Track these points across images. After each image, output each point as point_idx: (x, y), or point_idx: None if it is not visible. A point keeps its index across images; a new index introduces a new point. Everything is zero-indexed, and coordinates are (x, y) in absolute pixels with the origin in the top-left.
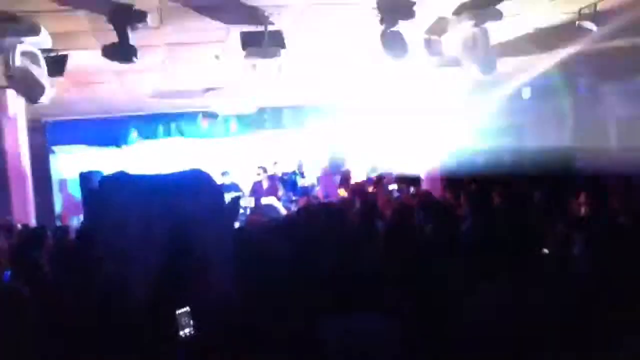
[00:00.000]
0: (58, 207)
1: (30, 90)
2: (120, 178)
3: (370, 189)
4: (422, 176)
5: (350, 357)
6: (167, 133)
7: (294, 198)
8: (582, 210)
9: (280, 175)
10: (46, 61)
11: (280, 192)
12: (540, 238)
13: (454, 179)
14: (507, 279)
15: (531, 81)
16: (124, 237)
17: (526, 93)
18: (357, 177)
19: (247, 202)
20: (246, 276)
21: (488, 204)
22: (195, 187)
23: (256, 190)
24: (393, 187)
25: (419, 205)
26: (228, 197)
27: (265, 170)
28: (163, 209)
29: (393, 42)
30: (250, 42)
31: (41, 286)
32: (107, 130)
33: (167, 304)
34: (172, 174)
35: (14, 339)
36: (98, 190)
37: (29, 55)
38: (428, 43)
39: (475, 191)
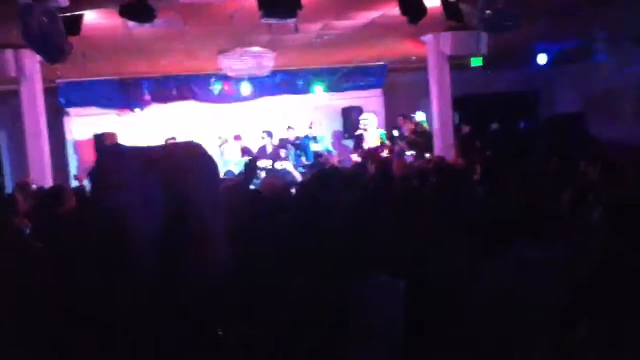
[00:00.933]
0: (73, 169)
1: (49, 49)
2: (117, 151)
3: (385, 154)
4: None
5: (362, 320)
6: (181, 96)
7: (306, 163)
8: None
9: (293, 139)
10: (62, 20)
11: (283, 155)
12: (554, 204)
13: (469, 146)
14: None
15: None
16: (124, 212)
17: (542, 59)
18: (371, 142)
19: (265, 164)
20: (261, 239)
21: (502, 171)
22: (189, 159)
23: (260, 155)
24: (409, 152)
25: (434, 170)
26: (243, 161)
27: (269, 135)
28: (159, 181)
29: None
30: (267, 1)
31: (60, 244)
32: (121, 93)
33: (169, 269)
34: (167, 146)
35: (30, 295)
36: (97, 163)
37: (47, 14)
38: None
39: (489, 158)
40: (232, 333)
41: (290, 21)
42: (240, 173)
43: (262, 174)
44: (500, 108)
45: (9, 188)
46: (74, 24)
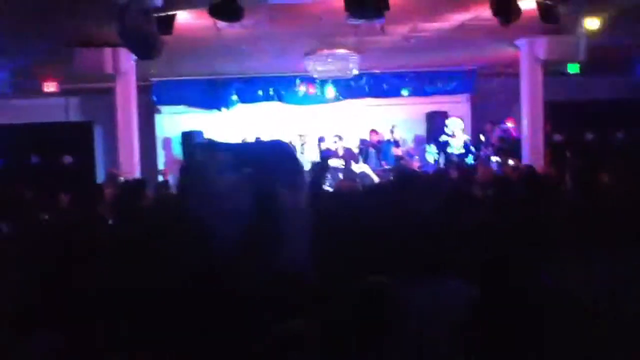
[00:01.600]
0: (161, 164)
1: (143, 47)
2: (209, 146)
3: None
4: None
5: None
6: (266, 97)
7: (386, 167)
8: None
9: (375, 142)
10: (156, 20)
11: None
12: None
13: (558, 154)
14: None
15: None
16: (212, 204)
17: None
18: (455, 148)
19: (337, 163)
20: (335, 238)
21: (594, 180)
22: (276, 157)
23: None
24: (495, 159)
25: (520, 179)
26: (333, 162)
27: (340, 139)
28: (247, 177)
29: None
30: (354, 2)
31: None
32: (209, 92)
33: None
34: (256, 144)
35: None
36: (189, 156)
37: (142, 13)
38: None
39: (580, 167)
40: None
41: (377, 22)
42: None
43: (340, 175)
44: (597, 116)
45: (101, 179)
46: (167, 24)
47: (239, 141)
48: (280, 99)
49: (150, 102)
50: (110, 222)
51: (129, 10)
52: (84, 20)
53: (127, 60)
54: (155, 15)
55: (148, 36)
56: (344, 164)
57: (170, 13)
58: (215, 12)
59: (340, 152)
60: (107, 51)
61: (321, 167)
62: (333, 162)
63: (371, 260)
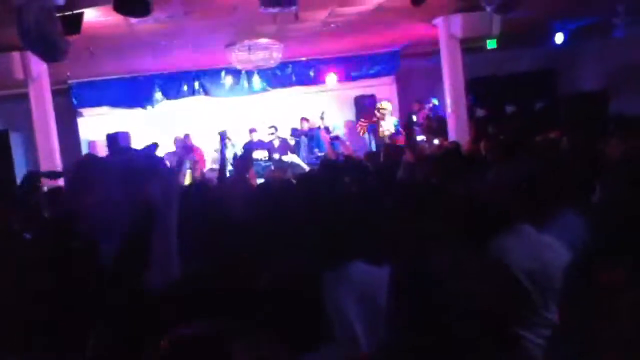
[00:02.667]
0: None
1: (47, 49)
2: (88, 162)
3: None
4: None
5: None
6: (192, 92)
7: (319, 154)
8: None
9: (306, 130)
10: (61, 20)
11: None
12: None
13: (482, 129)
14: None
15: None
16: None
17: (559, 37)
18: (385, 131)
19: (261, 155)
20: (261, 231)
21: (514, 155)
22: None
23: (270, 149)
24: (421, 137)
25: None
26: (257, 154)
27: (276, 129)
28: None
29: None
30: None
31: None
32: (131, 91)
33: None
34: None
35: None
36: (72, 173)
37: (42, 12)
38: None
39: (501, 142)
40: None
41: (292, 9)
42: (235, 164)
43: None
44: (516, 89)
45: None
46: (74, 23)
47: (169, 140)
48: (206, 92)
49: (70, 105)
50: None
51: (28, 11)
52: None
53: (38, 63)
54: (59, 14)
55: (51, 37)
56: (266, 155)
57: (75, 12)
58: (120, 7)
59: (277, 143)
60: (15, 55)
61: (243, 160)
62: (257, 154)
63: (287, 248)
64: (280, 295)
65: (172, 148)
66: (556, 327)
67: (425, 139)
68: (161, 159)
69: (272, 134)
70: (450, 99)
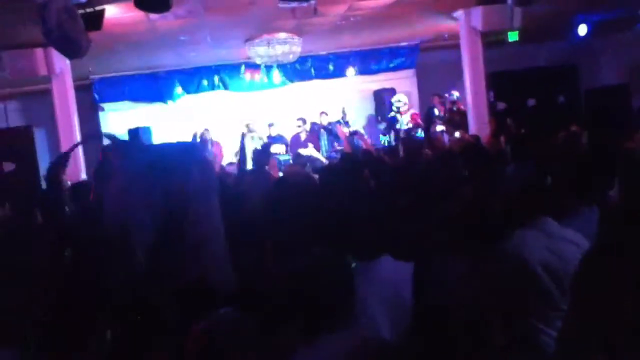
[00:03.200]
0: None
1: (69, 46)
2: (122, 151)
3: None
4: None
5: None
6: (212, 86)
7: (338, 148)
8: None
9: (326, 124)
10: (82, 17)
11: (321, 143)
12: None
13: (502, 122)
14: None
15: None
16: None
17: (582, 30)
18: (404, 125)
19: (279, 149)
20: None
21: (532, 151)
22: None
23: (294, 143)
24: (440, 128)
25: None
26: (275, 148)
27: (304, 122)
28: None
29: None
30: None
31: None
32: (152, 86)
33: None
34: (166, 146)
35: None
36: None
37: (66, 10)
38: None
39: (520, 138)
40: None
41: (310, 3)
42: (254, 157)
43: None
44: (538, 83)
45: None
46: (95, 19)
47: (190, 135)
48: (226, 87)
49: (92, 100)
50: None
51: (51, 8)
52: (11, 22)
53: (61, 60)
54: (81, 11)
55: (73, 34)
56: (284, 150)
57: (97, 9)
58: (141, 4)
59: (304, 136)
60: (39, 52)
61: (262, 153)
62: (275, 149)
63: (310, 241)
64: (307, 281)
65: None
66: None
67: (445, 130)
68: (201, 150)
69: (300, 126)
70: (471, 93)
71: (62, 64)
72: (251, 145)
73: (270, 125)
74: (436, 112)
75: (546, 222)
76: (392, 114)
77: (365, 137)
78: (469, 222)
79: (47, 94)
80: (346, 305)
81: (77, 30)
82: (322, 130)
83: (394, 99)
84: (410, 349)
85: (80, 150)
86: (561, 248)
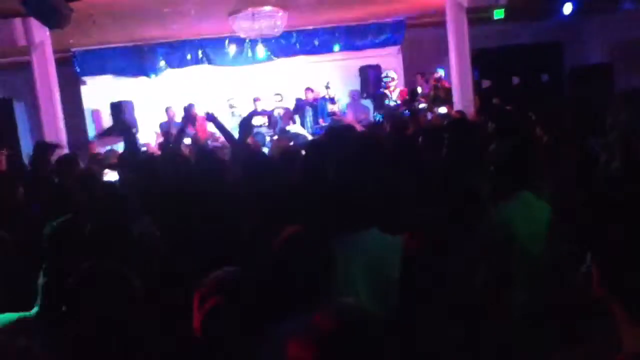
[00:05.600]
0: (92, 137)
1: (49, 15)
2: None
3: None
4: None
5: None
6: (196, 61)
7: (323, 124)
8: None
9: (311, 100)
10: None
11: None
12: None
13: (487, 100)
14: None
15: None
16: None
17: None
18: (391, 101)
19: (261, 121)
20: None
21: (516, 127)
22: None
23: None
24: (422, 106)
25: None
26: (257, 120)
27: (282, 97)
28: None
29: None
30: None
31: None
32: (135, 60)
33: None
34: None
35: None
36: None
37: None
38: None
39: (505, 113)
40: None
41: None
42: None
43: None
44: (522, 61)
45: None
46: None
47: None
48: (210, 61)
49: (73, 73)
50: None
51: None
52: None
53: (41, 30)
54: None
55: (53, 3)
56: (266, 122)
57: None
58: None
59: (280, 112)
60: (17, 22)
61: (243, 125)
62: (257, 120)
63: (293, 215)
64: (288, 252)
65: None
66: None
67: (427, 108)
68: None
69: (279, 101)
70: (456, 70)
71: (42, 34)
72: (232, 122)
73: (255, 99)
74: (419, 90)
75: (525, 195)
76: (382, 90)
77: (344, 116)
78: (455, 195)
79: (27, 66)
80: (324, 280)
81: (57, 0)
82: (307, 107)
83: (383, 75)
84: (395, 319)
85: (62, 125)
86: (536, 215)
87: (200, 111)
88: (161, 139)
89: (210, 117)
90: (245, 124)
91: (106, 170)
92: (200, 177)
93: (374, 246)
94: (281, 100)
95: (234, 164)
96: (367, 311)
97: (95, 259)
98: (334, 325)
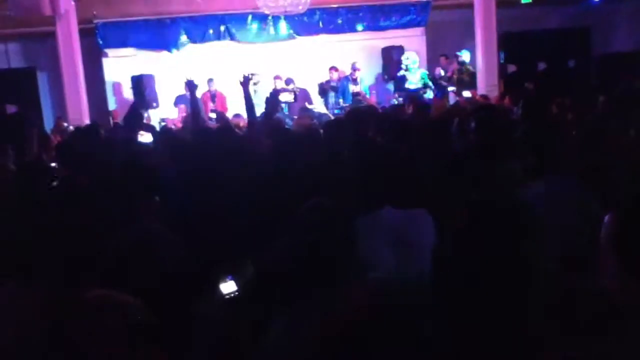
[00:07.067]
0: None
1: None
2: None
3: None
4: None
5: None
6: (217, 36)
7: (343, 105)
8: None
9: (336, 80)
10: None
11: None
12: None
13: (513, 84)
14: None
15: None
16: None
17: None
18: (413, 84)
19: (287, 98)
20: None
21: (543, 111)
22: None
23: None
24: (451, 89)
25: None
26: (283, 96)
27: (292, 82)
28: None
29: None
30: None
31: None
32: (157, 33)
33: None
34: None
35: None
36: None
37: None
38: None
39: (531, 97)
40: None
41: None
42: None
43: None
44: (549, 46)
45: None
46: None
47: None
48: (232, 37)
49: (96, 45)
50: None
51: None
52: None
53: (66, 0)
54: None
55: None
56: (293, 99)
57: None
58: None
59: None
60: None
61: (270, 101)
62: (284, 97)
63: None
64: (309, 233)
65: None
66: None
67: (455, 91)
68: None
69: (290, 85)
70: (482, 53)
71: (67, 4)
72: (254, 99)
73: (276, 77)
74: (442, 72)
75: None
76: (402, 72)
77: (368, 96)
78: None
79: (50, 36)
80: (348, 258)
81: None
82: (330, 90)
83: (403, 57)
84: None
85: (84, 96)
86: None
87: (220, 87)
88: (184, 113)
89: (247, 80)
90: (272, 100)
91: (141, 132)
92: (228, 153)
93: (390, 222)
94: (290, 85)
95: (253, 139)
96: (400, 284)
97: None
98: (372, 300)
